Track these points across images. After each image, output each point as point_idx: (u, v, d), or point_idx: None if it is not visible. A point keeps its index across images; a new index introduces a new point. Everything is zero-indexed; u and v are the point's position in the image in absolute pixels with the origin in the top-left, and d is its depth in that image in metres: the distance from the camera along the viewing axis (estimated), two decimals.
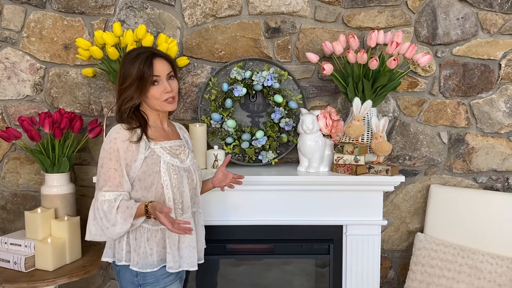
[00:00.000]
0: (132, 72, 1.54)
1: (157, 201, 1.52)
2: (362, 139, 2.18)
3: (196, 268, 1.64)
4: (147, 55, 1.57)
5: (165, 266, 1.60)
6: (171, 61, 1.64)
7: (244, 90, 2.16)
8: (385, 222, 2.13)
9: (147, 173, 1.55)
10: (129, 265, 1.58)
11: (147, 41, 2.03)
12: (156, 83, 1.57)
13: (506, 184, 2.38)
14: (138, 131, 1.56)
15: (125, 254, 1.59)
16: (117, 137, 1.53)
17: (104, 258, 1.65)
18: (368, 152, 2.16)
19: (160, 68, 1.58)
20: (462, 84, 2.32)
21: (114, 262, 1.63)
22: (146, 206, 1.50)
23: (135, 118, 1.58)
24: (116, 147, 1.51)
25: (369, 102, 2.07)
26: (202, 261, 1.73)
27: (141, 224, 1.56)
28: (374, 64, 2.03)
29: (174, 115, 2.29)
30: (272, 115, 2.18)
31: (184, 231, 1.46)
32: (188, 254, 1.62)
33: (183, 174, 1.62)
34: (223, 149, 2.20)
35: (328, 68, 2.10)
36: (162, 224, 1.46)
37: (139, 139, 1.54)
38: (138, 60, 1.56)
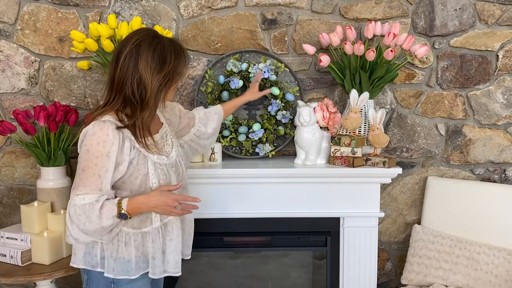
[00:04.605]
0: (176, 65, 1.45)
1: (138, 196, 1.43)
2: (359, 131, 2.18)
3: (180, 273, 1.54)
4: (182, 48, 1.49)
5: (144, 273, 1.50)
6: None
7: (241, 83, 2.15)
8: (382, 214, 2.13)
9: (133, 176, 1.44)
10: (103, 272, 1.46)
11: None
12: None
13: (503, 175, 2.39)
14: (124, 131, 1.42)
15: (99, 260, 1.46)
16: (106, 139, 1.37)
17: (76, 265, 1.49)
18: (365, 144, 2.16)
19: None
20: (460, 76, 2.31)
21: (83, 268, 1.50)
22: (119, 203, 1.38)
23: (126, 117, 1.45)
24: (105, 151, 1.36)
25: (366, 94, 2.06)
26: (189, 257, 1.67)
27: (121, 227, 1.45)
28: (371, 56, 2.02)
29: None
30: (269, 108, 2.17)
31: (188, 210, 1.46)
32: (174, 258, 1.52)
33: (170, 171, 1.52)
34: (219, 141, 2.19)
35: (325, 60, 2.09)
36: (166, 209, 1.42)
37: (124, 139, 1.41)
38: (182, 55, 1.47)
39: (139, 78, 1.40)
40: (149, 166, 1.45)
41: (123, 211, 1.38)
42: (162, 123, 1.62)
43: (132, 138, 1.43)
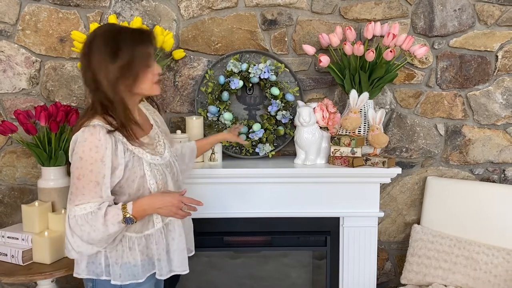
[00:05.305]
0: (134, 49, 1.34)
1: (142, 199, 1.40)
2: (359, 131, 2.18)
3: (187, 271, 1.53)
4: (143, 31, 1.40)
5: (151, 275, 1.49)
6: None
7: (241, 83, 2.16)
8: (382, 214, 2.14)
9: (130, 179, 1.40)
10: (110, 280, 1.42)
11: None
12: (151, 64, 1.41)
13: (503, 175, 2.39)
14: (116, 134, 1.37)
15: (104, 268, 1.43)
16: (98, 144, 1.32)
17: (79, 275, 1.45)
18: (365, 144, 2.16)
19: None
20: (459, 76, 2.32)
21: (86, 278, 1.46)
22: (124, 208, 1.35)
23: (114, 116, 1.38)
24: (99, 156, 1.32)
25: (365, 94, 2.07)
26: (193, 253, 1.67)
27: (123, 233, 1.42)
28: (370, 56, 2.03)
29: (170, 108, 2.29)
30: (269, 108, 2.18)
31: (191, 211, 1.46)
32: (178, 256, 1.51)
33: (166, 171, 1.50)
34: (220, 142, 2.20)
35: (324, 60, 2.10)
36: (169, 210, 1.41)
37: (116, 142, 1.37)
38: (141, 38, 1.37)
39: (92, 76, 1.35)
40: (145, 168, 1.42)
41: (128, 215, 1.35)
42: (152, 125, 1.59)
43: (124, 140, 1.39)
